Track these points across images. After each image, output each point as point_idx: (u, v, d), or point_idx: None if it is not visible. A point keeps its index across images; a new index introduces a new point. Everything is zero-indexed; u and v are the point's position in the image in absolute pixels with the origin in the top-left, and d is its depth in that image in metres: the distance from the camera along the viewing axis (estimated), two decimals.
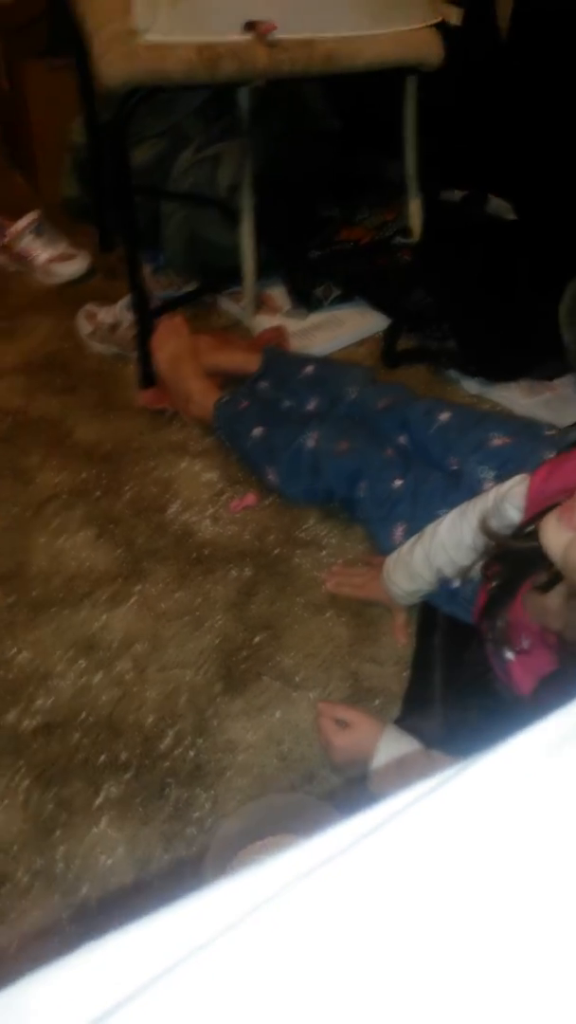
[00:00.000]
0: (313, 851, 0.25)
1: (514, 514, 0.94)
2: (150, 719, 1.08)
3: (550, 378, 1.52)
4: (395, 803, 0.26)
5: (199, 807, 1.01)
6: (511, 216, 1.82)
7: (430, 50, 1.25)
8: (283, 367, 1.45)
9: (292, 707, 1.10)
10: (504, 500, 0.95)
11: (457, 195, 1.82)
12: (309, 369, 1.42)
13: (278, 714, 1.09)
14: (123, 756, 1.05)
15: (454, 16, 1.25)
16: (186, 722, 1.08)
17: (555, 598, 0.83)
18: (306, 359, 1.46)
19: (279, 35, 1.18)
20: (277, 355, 1.49)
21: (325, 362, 1.49)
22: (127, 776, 1.03)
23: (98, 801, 1.01)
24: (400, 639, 1.17)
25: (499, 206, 1.82)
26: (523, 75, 1.81)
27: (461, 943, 0.23)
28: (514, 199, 1.84)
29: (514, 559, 0.88)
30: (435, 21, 1.26)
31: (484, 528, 0.92)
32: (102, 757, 1.05)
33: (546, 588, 0.83)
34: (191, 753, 1.05)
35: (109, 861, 0.97)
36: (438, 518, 1.07)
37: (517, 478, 0.95)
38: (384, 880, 0.24)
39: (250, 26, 1.17)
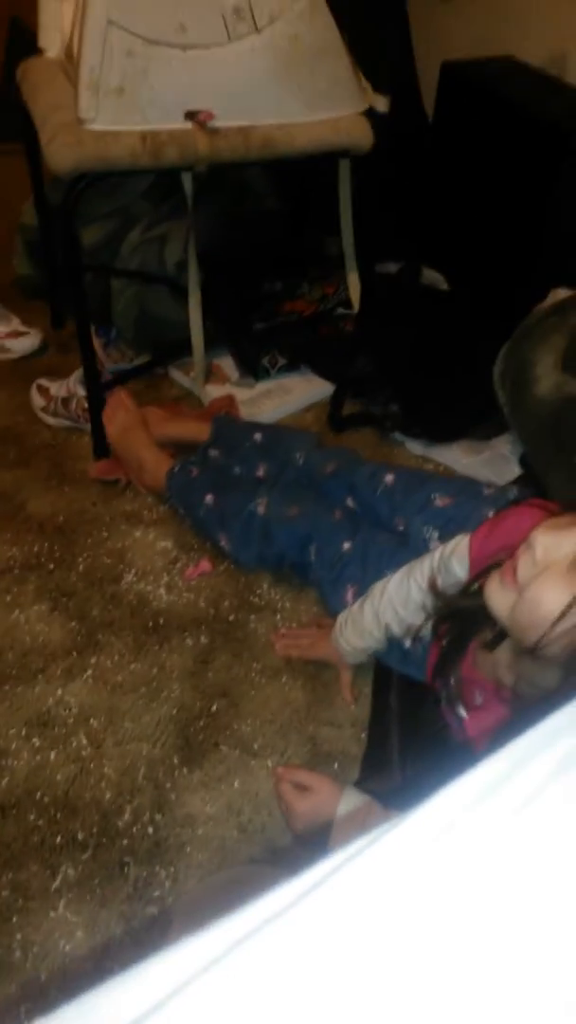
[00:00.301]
0: (256, 912, 0.26)
1: (460, 571, 0.96)
2: (108, 795, 1.06)
3: (488, 437, 1.58)
4: (331, 862, 0.27)
5: (159, 885, 0.99)
6: (444, 286, 1.90)
7: (360, 135, 1.32)
8: (232, 435, 1.48)
9: (251, 776, 1.09)
10: (450, 558, 0.97)
11: (393, 268, 1.90)
12: (257, 436, 1.45)
13: (237, 784, 1.08)
14: (80, 835, 1.03)
15: (381, 104, 1.33)
16: (144, 797, 1.06)
17: (504, 653, 0.85)
18: (254, 426, 1.49)
19: (218, 123, 1.24)
20: (226, 423, 1.52)
21: (273, 429, 1.52)
22: (85, 856, 1.01)
23: (55, 884, 0.99)
24: (347, 697, 1.18)
25: (433, 277, 1.91)
26: (449, 154, 1.92)
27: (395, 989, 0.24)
28: (447, 270, 1.93)
29: (462, 617, 0.89)
30: (364, 108, 1.33)
31: (432, 588, 0.94)
32: (59, 838, 1.03)
33: (492, 646, 0.85)
34: (150, 829, 1.03)
35: (68, 946, 0.94)
36: (386, 577, 1.10)
37: (459, 537, 0.98)
38: (321, 936, 0.25)
39: (190, 115, 1.22)
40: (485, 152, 1.81)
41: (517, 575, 0.73)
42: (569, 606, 0.69)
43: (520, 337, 1.48)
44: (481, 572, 0.85)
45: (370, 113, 1.36)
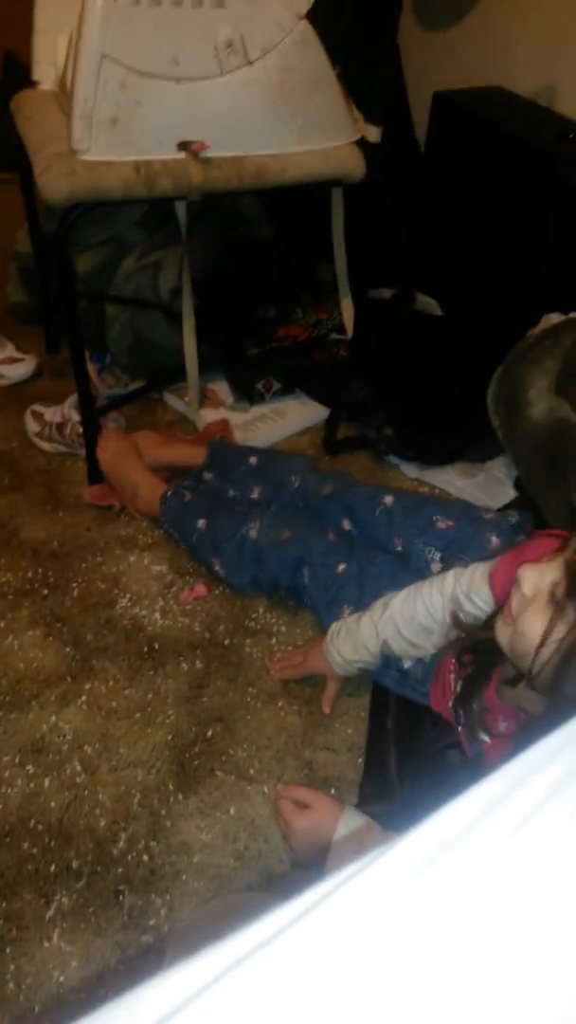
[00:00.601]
0: (247, 938, 0.26)
1: (480, 605, 0.98)
2: (102, 823, 1.06)
3: (483, 461, 1.59)
4: (324, 887, 0.27)
5: (154, 914, 0.98)
6: (438, 312, 1.92)
7: (352, 165, 1.34)
8: (227, 458, 1.48)
9: (247, 802, 1.08)
10: (468, 594, 0.98)
11: (387, 293, 1.92)
12: (253, 460, 1.45)
13: (232, 810, 1.07)
14: (74, 864, 1.02)
15: (373, 134, 1.35)
16: (139, 824, 1.05)
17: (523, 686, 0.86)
18: (250, 450, 1.50)
19: (211, 153, 1.26)
20: (221, 447, 1.52)
21: (268, 453, 1.53)
22: (79, 885, 1.00)
23: (49, 913, 0.98)
24: (325, 708, 1.18)
25: (426, 303, 1.93)
26: (442, 183, 1.95)
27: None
28: (440, 296, 1.95)
29: (484, 649, 0.90)
30: (356, 138, 1.36)
31: (455, 620, 0.95)
32: (53, 866, 1.02)
33: (514, 682, 0.86)
34: (145, 857, 1.03)
35: (62, 977, 0.93)
36: (388, 595, 1.10)
37: (472, 570, 0.99)
38: (313, 962, 0.25)
39: (183, 145, 1.24)
40: (477, 180, 1.84)
41: (512, 610, 0.78)
42: (547, 633, 0.74)
43: (513, 361, 1.49)
44: (497, 610, 0.88)
45: (362, 143, 1.38)
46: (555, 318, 1.59)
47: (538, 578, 0.76)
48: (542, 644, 0.74)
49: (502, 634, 0.81)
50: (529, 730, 0.84)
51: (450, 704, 1.04)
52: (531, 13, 1.87)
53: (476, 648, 0.93)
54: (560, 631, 0.73)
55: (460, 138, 1.88)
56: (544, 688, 0.77)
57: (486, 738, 0.94)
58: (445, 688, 1.06)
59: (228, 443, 1.59)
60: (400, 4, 1.26)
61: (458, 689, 0.97)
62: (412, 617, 1.04)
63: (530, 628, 0.76)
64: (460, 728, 1.00)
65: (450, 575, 1.02)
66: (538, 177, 1.66)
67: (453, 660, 1.04)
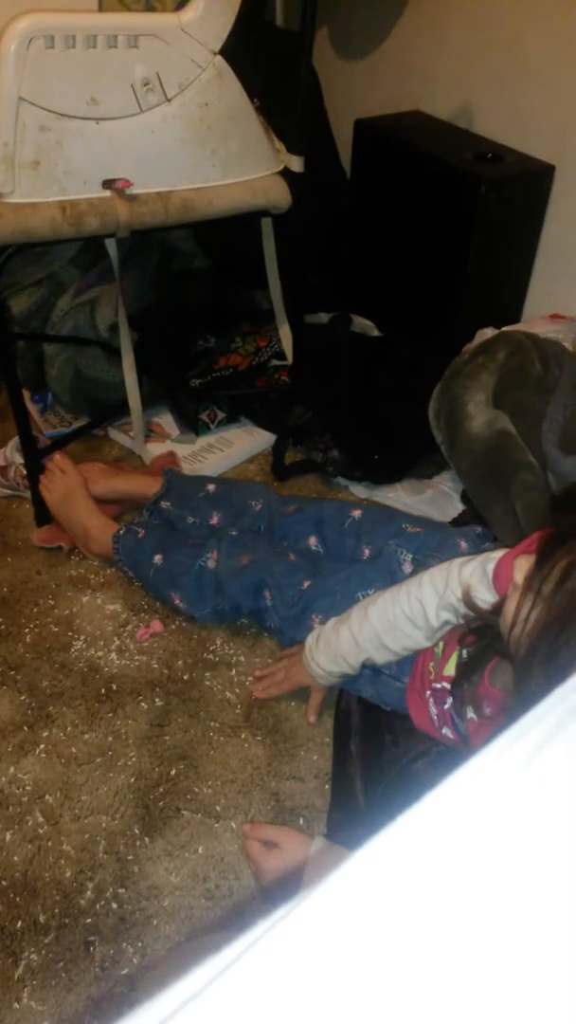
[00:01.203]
0: (204, 972, 0.26)
1: (480, 604, 0.97)
2: (68, 873, 1.03)
3: (430, 476, 1.60)
4: (280, 912, 0.27)
5: (127, 963, 0.95)
6: (375, 332, 1.95)
7: (277, 195, 1.36)
8: (184, 486, 1.47)
9: (215, 840, 1.07)
10: (473, 584, 0.97)
11: (325, 318, 1.94)
12: (211, 487, 1.44)
13: (201, 849, 1.05)
14: (42, 918, 0.99)
15: (295, 164, 1.37)
16: (106, 872, 1.03)
17: None
18: (207, 479, 1.49)
19: (136, 190, 1.26)
20: (177, 476, 1.51)
21: (226, 481, 1.52)
22: (47, 939, 0.97)
23: (18, 972, 0.95)
24: (310, 716, 1.18)
25: (363, 324, 1.95)
26: (369, 206, 1.98)
27: None
28: (376, 317, 1.98)
29: (490, 633, 0.92)
30: (279, 169, 1.37)
31: (467, 601, 0.94)
32: (19, 922, 0.99)
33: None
34: (114, 905, 1.00)
35: None
36: (364, 600, 1.09)
37: (476, 564, 0.97)
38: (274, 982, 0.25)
39: (108, 183, 1.25)
40: (403, 202, 1.88)
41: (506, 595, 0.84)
42: (517, 612, 0.79)
43: (451, 377, 1.51)
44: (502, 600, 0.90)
45: (287, 173, 1.40)
46: (488, 332, 1.62)
47: (528, 566, 0.80)
48: (514, 623, 0.79)
49: (500, 619, 0.86)
50: (512, 716, 0.85)
51: (430, 689, 1.04)
52: (447, 38, 1.93)
53: (482, 631, 0.95)
54: (525, 609, 0.78)
55: (384, 162, 1.92)
56: (519, 667, 0.80)
57: (473, 715, 0.95)
58: (424, 678, 1.06)
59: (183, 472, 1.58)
60: (311, 35, 1.29)
61: (456, 668, 0.99)
62: (393, 625, 1.03)
63: (508, 608, 0.81)
64: (446, 708, 1.01)
65: (426, 580, 1.01)
66: (461, 196, 1.70)
67: (432, 649, 1.05)
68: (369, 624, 1.05)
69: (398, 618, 1.02)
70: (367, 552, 1.26)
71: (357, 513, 1.31)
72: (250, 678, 1.26)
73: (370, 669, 1.13)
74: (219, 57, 1.22)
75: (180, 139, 1.25)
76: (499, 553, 0.95)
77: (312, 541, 1.32)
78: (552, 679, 0.71)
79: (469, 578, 0.96)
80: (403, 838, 0.29)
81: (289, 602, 1.21)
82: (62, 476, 1.46)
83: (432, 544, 1.20)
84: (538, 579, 0.78)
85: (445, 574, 0.99)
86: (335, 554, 1.30)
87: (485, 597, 0.94)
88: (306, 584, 1.21)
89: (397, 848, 0.29)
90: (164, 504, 1.45)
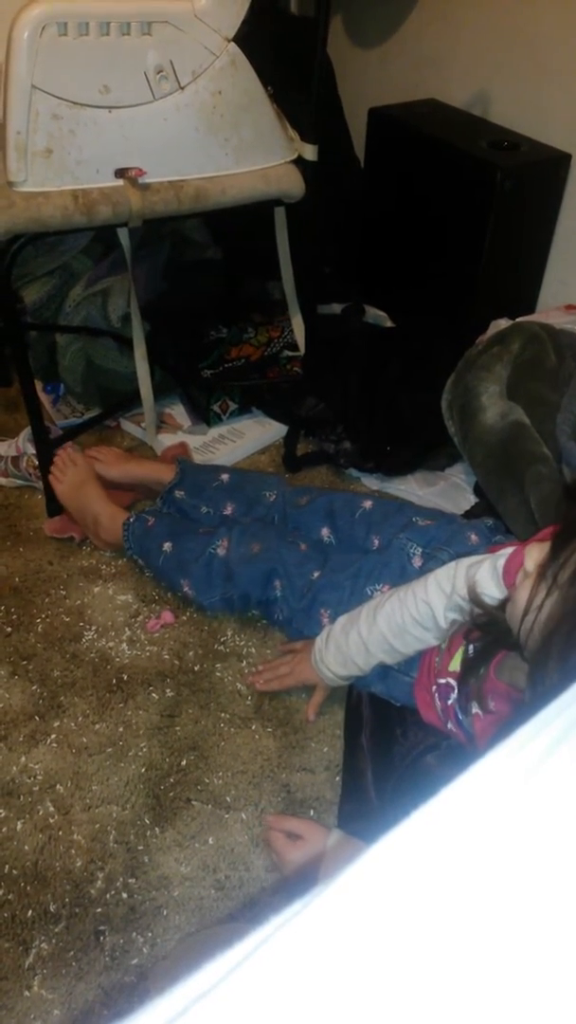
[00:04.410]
0: (218, 966, 0.25)
1: (487, 601, 0.96)
2: (78, 863, 1.03)
3: (443, 468, 1.59)
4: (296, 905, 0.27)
5: (136, 952, 0.96)
6: (388, 323, 1.94)
7: (291, 184, 1.35)
8: (198, 476, 1.47)
9: (225, 831, 1.07)
10: (480, 582, 0.96)
11: (337, 308, 1.93)
12: (225, 477, 1.44)
13: (211, 840, 1.05)
14: (52, 907, 0.99)
15: (309, 152, 1.36)
16: (116, 862, 1.03)
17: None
18: (221, 468, 1.49)
19: (149, 179, 1.25)
20: (192, 465, 1.51)
21: (240, 471, 1.52)
22: (58, 928, 0.98)
23: (28, 961, 0.95)
24: (309, 715, 1.18)
25: (376, 315, 1.94)
26: (383, 196, 1.97)
27: None
28: (389, 308, 1.96)
29: (497, 629, 0.91)
30: (292, 157, 1.36)
31: (473, 596, 0.93)
32: (30, 911, 0.99)
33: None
34: (124, 895, 1.00)
35: None
36: (370, 598, 1.08)
37: (485, 574, 0.96)
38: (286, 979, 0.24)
39: (121, 172, 1.24)
40: (417, 191, 1.87)
41: (516, 583, 0.84)
42: (530, 600, 0.77)
43: (465, 368, 1.50)
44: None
45: (300, 161, 1.39)
46: (503, 323, 1.60)
47: (538, 555, 0.80)
48: (526, 612, 0.78)
49: (508, 608, 0.85)
50: (520, 713, 0.84)
51: (435, 684, 1.03)
52: (461, 26, 1.91)
53: (488, 626, 0.94)
54: (539, 598, 0.76)
55: (398, 151, 1.90)
56: (533, 658, 0.79)
57: (479, 711, 0.94)
58: (430, 671, 1.06)
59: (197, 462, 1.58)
60: (326, 22, 1.27)
61: (462, 663, 0.99)
62: (402, 627, 1.03)
63: (519, 597, 0.80)
64: (450, 704, 1.00)
65: (432, 582, 1.00)
66: (476, 185, 1.68)
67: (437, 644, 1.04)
68: (378, 629, 1.05)
69: (407, 622, 1.02)
70: (377, 542, 1.25)
71: (368, 504, 1.30)
72: (255, 668, 1.26)
73: (380, 666, 1.12)
74: (233, 44, 1.21)
75: (193, 127, 1.24)
76: (509, 550, 0.95)
77: (325, 532, 1.32)
78: (568, 676, 0.71)
79: (476, 576, 0.96)
80: (414, 838, 0.29)
81: (299, 593, 1.21)
82: (73, 467, 1.46)
83: (442, 537, 1.19)
84: (554, 567, 0.76)
85: (452, 574, 0.98)
86: (346, 544, 1.29)
87: (493, 594, 0.93)
88: (316, 575, 1.21)
89: (410, 847, 0.28)
90: (178, 494, 1.45)
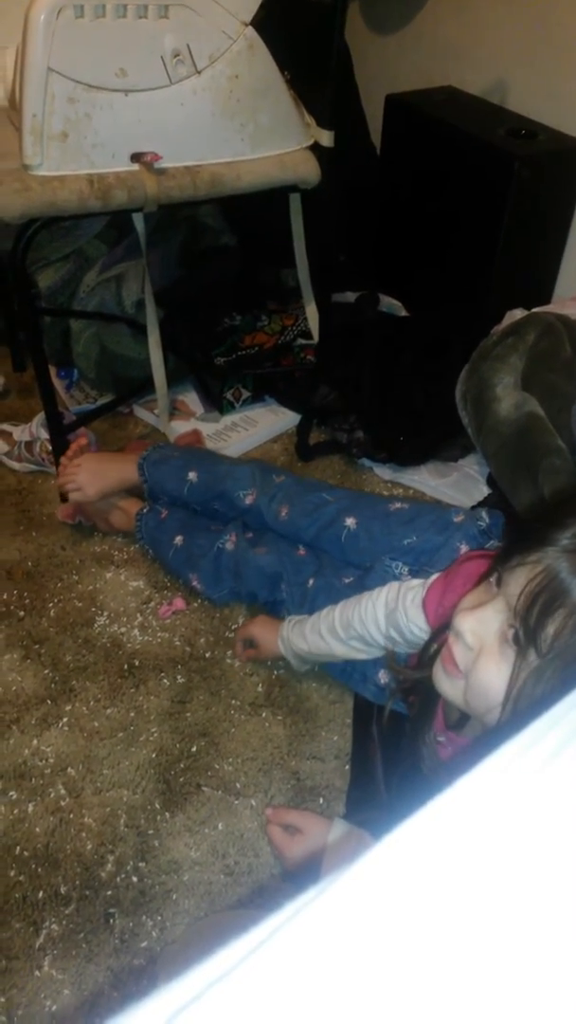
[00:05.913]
0: (229, 954, 0.25)
1: (409, 635, 0.97)
2: (89, 846, 1.04)
3: (456, 459, 1.59)
4: (307, 895, 0.27)
5: (146, 935, 0.96)
6: (403, 312, 1.93)
7: (307, 170, 1.34)
8: (165, 483, 1.40)
9: (234, 816, 1.07)
10: (407, 611, 0.97)
11: (352, 297, 1.92)
12: (192, 477, 1.37)
13: (221, 825, 1.06)
14: (63, 889, 1.00)
15: (326, 138, 1.35)
16: (127, 845, 1.04)
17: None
18: (190, 465, 1.40)
19: (165, 164, 1.25)
20: (156, 470, 1.41)
21: (212, 466, 1.40)
22: (68, 910, 0.98)
23: (39, 941, 0.96)
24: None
25: (391, 304, 1.93)
26: (399, 183, 1.95)
27: None
28: (404, 297, 1.95)
29: (426, 686, 0.83)
30: (309, 143, 1.35)
31: (391, 667, 0.94)
32: (40, 893, 1.00)
33: (459, 727, 0.84)
34: (134, 878, 1.01)
35: (54, 1006, 0.91)
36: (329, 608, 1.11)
37: (411, 601, 0.96)
38: (297, 970, 0.24)
39: (137, 157, 1.23)
40: (434, 179, 1.85)
41: (457, 664, 0.72)
42: (512, 684, 0.67)
43: (479, 359, 1.49)
44: (436, 631, 0.86)
45: (317, 148, 1.38)
46: (518, 314, 1.59)
47: (480, 626, 0.69)
48: (517, 696, 0.66)
49: (449, 689, 0.74)
50: (487, 738, 0.83)
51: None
52: (480, 13, 1.88)
53: (416, 688, 0.89)
54: (522, 677, 0.66)
55: (415, 139, 1.88)
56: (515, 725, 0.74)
57: (441, 738, 0.90)
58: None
59: (165, 459, 1.42)
60: (344, 8, 1.26)
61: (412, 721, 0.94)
62: (349, 623, 1.05)
63: (489, 681, 0.69)
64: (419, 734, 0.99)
65: (384, 593, 1.01)
66: (493, 173, 1.67)
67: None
68: (333, 615, 1.08)
69: (354, 619, 1.04)
70: (368, 560, 1.22)
71: (351, 522, 1.23)
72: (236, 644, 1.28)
73: (375, 686, 1.14)
74: (250, 28, 1.20)
75: (210, 112, 1.23)
76: (433, 578, 0.95)
77: (302, 551, 1.29)
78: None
79: (407, 603, 0.96)
80: (422, 834, 0.29)
81: (299, 601, 1.23)
82: (82, 470, 1.40)
83: (430, 551, 1.15)
84: (528, 635, 0.65)
85: (395, 595, 1.00)
86: (334, 557, 1.27)
87: (421, 625, 0.94)
88: (311, 582, 1.22)
89: (427, 836, 0.28)
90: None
